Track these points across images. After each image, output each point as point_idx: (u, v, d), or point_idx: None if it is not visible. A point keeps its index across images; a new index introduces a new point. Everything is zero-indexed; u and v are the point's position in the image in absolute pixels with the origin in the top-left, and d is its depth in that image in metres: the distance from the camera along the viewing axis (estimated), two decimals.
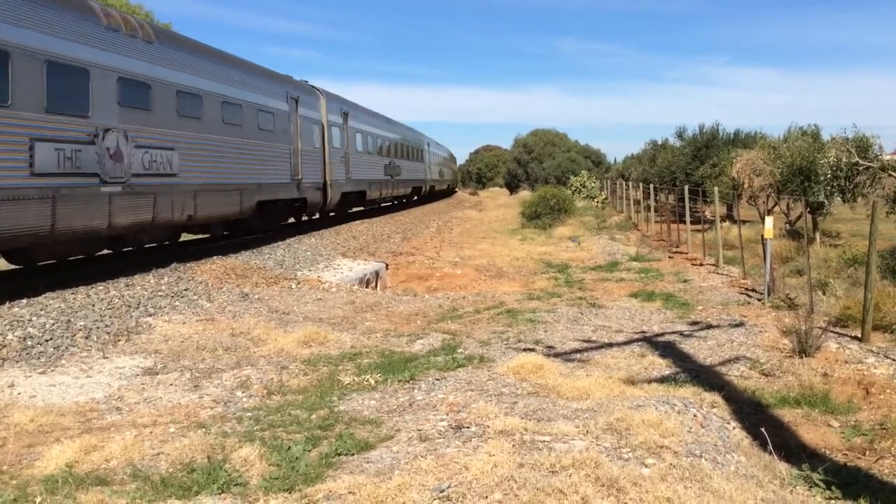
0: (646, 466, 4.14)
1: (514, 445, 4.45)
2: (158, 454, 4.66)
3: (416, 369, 6.94)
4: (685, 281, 13.88)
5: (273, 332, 8.65)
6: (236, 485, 4.16)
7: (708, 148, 29.80)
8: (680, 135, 34.51)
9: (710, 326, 9.36)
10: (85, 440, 4.77)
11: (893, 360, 7.53)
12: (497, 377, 6.55)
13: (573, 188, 45.98)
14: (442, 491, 3.81)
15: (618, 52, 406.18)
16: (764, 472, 4.57)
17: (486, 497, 3.74)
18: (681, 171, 30.76)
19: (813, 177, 17.99)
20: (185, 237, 16.24)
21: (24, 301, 8.91)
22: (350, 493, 3.84)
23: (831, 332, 8.64)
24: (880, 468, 5.16)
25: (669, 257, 17.98)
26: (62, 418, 5.59)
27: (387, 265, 17.08)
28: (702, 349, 8.16)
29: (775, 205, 20.98)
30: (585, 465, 4.06)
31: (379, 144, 28.74)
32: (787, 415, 6.18)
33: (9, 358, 7.15)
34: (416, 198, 40.49)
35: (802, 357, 7.62)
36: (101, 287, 10.23)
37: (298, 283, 12.91)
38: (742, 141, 28.85)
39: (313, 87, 21.59)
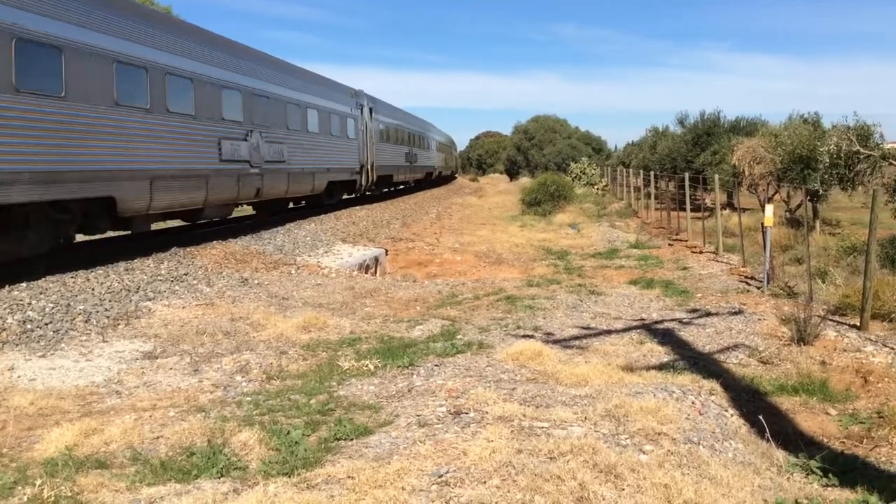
0: (644, 453, 4.16)
1: (512, 431, 4.47)
2: (158, 438, 4.67)
3: (416, 355, 6.95)
4: (685, 268, 13.88)
5: (272, 317, 8.66)
6: (236, 469, 4.17)
7: (709, 135, 29.70)
8: (681, 122, 34.35)
9: (709, 314, 9.37)
10: (85, 423, 4.79)
11: (892, 348, 7.54)
12: (496, 363, 6.56)
13: (573, 175, 45.81)
14: (440, 476, 3.83)
15: (619, 38, 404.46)
16: (761, 460, 4.59)
17: (485, 482, 3.76)
18: (681, 158, 30.68)
19: (813, 165, 17.95)
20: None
21: (24, 284, 8.90)
22: (349, 477, 3.85)
23: (830, 320, 8.64)
24: (877, 456, 5.18)
25: (669, 245, 17.98)
26: (62, 401, 5.60)
27: (386, 251, 17.08)
28: (700, 337, 8.17)
29: (775, 193, 20.95)
30: (583, 452, 4.07)
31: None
32: (785, 402, 6.20)
33: (9, 341, 7.16)
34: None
35: (801, 345, 7.63)
36: (101, 271, 10.23)
37: (298, 268, 12.91)
38: (743, 128, 28.73)
39: None
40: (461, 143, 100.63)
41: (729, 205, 23.63)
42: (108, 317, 8.33)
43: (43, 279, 9.30)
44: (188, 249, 12.55)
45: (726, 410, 5.50)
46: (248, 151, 15.77)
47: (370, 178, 26.72)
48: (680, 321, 8.95)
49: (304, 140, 19.74)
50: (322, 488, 3.76)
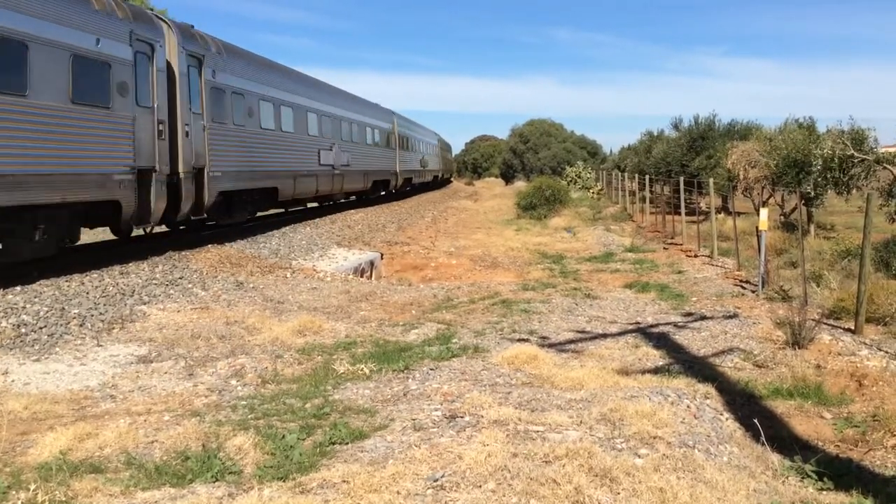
0: (639, 457, 4.16)
1: (507, 435, 4.46)
2: (152, 442, 4.66)
3: (411, 359, 6.94)
4: (680, 272, 13.91)
5: (268, 321, 8.64)
6: (230, 473, 4.16)
7: (704, 139, 29.71)
8: (676, 126, 34.35)
9: (704, 318, 9.38)
10: (79, 428, 4.77)
11: (886, 352, 7.56)
12: (491, 367, 6.56)
13: (569, 179, 45.92)
14: (436, 480, 3.82)
15: (614, 42, 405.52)
16: (756, 463, 4.60)
17: (480, 486, 3.75)
18: (676, 162, 30.68)
19: (808, 169, 18.00)
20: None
21: (18, 288, 8.87)
22: (344, 481, 3.84)
23: (825, 324, 8.67)
24: (871, 459, 5.20)
25: (664, 248, 18.01)
26: (56, 406, 5.58)
27: (382, 255, 17.07)
28: (695, 340, 8.18)
29: (770, 196, 21.00)
30: (579, 456, 4.07)
31: None
32: (780, 406, 6.21)
33: (3, 345, 7.13)
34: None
35: (796, 349, 7.65)
36: (96, 274, 10.20)
37: (293, 271, 12.89)
38: (738, 132, 28.75)
39: None
40: (456, 147, 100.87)
41: (724, 209, 23.68)
42: (102, 320, 8.31)
43: (37, 283, 9.27)
44: (183, 253, 12.52)
45: (721, 414, 5.50)
46: (333, 158, 22.47)
47: (399, 181, 33.55)
48: (675, 325, 8.96)
49: (362, 150, 26.38)
50: (317, 493, 3.75)
